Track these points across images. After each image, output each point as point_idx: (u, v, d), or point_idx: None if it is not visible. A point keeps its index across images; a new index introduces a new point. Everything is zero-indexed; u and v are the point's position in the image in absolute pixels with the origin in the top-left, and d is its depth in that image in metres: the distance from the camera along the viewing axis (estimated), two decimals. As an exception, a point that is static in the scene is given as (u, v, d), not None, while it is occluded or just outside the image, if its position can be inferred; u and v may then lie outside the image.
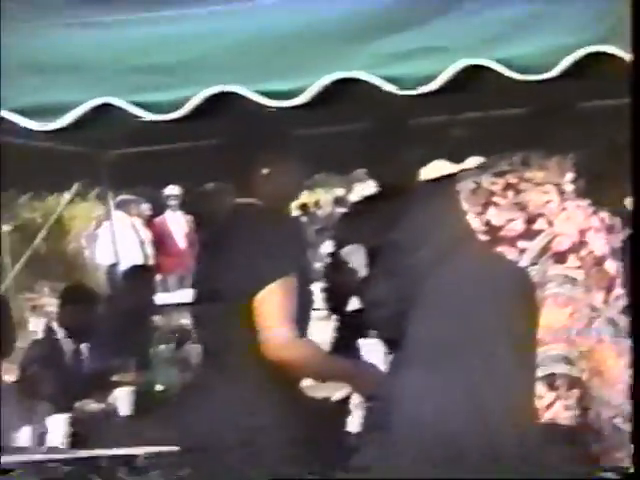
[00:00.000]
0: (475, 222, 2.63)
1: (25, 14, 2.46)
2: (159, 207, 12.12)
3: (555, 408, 2.45)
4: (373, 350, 3.40)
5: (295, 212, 11.94)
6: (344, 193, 17.49)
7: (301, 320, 3.04)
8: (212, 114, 2.44)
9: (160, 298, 9.37)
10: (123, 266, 7.62)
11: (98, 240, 12.12)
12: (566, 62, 2.19)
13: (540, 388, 2.47)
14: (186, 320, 6.83)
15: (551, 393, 2.46)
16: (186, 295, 9.47)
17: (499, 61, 2.23)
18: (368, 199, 4.29)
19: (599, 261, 2.53)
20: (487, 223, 2.59)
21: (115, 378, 4.74)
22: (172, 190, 11.37)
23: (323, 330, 3.99)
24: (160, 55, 2.40)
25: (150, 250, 11.44)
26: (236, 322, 3.02)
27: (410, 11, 2.32)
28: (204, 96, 2.35)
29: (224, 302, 3.08)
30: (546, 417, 2.44)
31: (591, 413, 2.46)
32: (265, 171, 3.08)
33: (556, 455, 2.41)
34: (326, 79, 2.31)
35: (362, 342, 3.45)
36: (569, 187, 2.70)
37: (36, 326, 11.77)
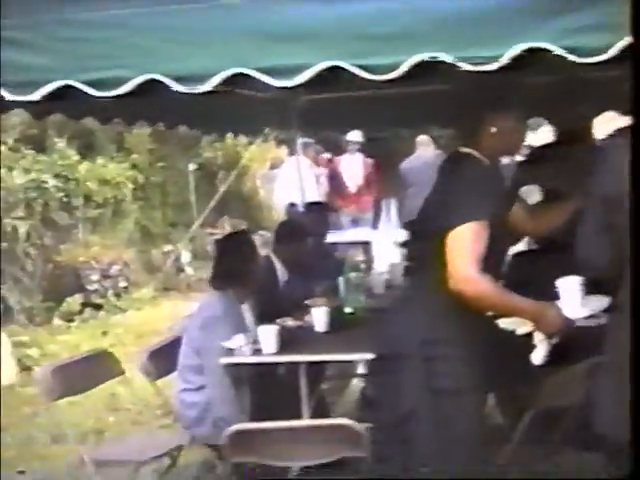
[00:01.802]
0: None
1: None
2: (340, 150, 12.54)
3: None
4: (570, 289, 3.56)
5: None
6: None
7: (492, 260, 3.37)
8: (417, 77, 2.90)
9: (334, 236, 9.91)
10: (303, 204, 8.14)
11: (277, 180, 12.60)
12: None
13: None
14: (361, 256, 7.34)
15: None
16: (361, 234, 9.96)
17: None
18: (547, 146, 4.63)
19: None
20: None
21: (308, 302, 5.34)
22: (354, 135, 11.65)
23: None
24: (378, 26, 2.80)
25: (325, 190, 11.90)
26: (435, 252, 3.36)
27: None
28: (413, 62, 2.75)
29: (426, 235, 3.52)
30: None
31: None
32: (493, 130, 3.43)
33: None
34: (517, 48, 2.67)
35: (560, 281, 3.59)
36: None
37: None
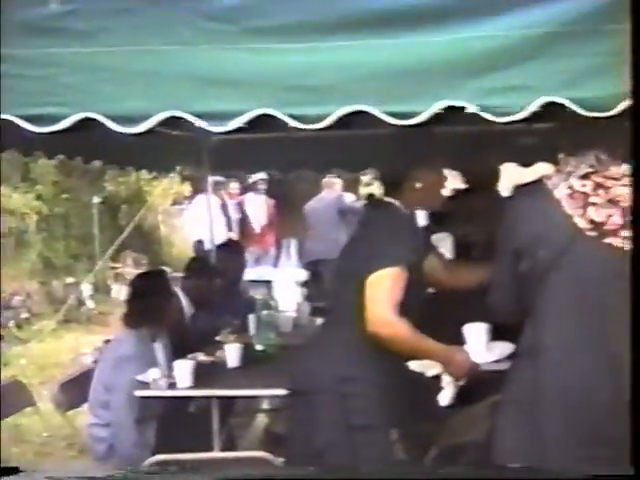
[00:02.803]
0: (581, 222, 3.05)
1: (205, 38, 3.04)
2: (245, 190, 12.65)
3: None
4: (477, 335, 3.82)
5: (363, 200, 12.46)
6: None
7: (409, 305, 3.53)
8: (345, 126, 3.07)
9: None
10: (214, 242, 8.21)
11: (186, 216, 12.64)
12: (622, 105, 2.73)
13: None
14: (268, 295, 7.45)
15: None
16: (263, 272, 10.08)
17: (571, 100, 2.78)
18: (457, 195, 4.84)
19: None
20: (591, 221, 3.03)
21: (218, 338, 5.45)
22: (259, 175, 11.84)
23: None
24: (310, 77, 2.95)
25: (235, 228, 12.00)
26: (350, 293, 3.56)
27: (506, 56, 2.85)
28: (342, 113, 2.91)
29: (344, 277, 3.69)
30: None
31: None
32: (418, 185, 3.66)
33: None
34: (438, 105, 2.86)
35: (467, 327, 3.85)
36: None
37: (118, 293, 12.52)
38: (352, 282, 3.57)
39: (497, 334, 3.84)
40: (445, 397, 3.66)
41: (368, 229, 3.71)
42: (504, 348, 3.76)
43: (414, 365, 3.63)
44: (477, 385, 3.68)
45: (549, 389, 3.07)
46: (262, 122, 3.04)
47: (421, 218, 4.33)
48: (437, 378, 3.65)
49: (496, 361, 3.78)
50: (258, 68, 3.02)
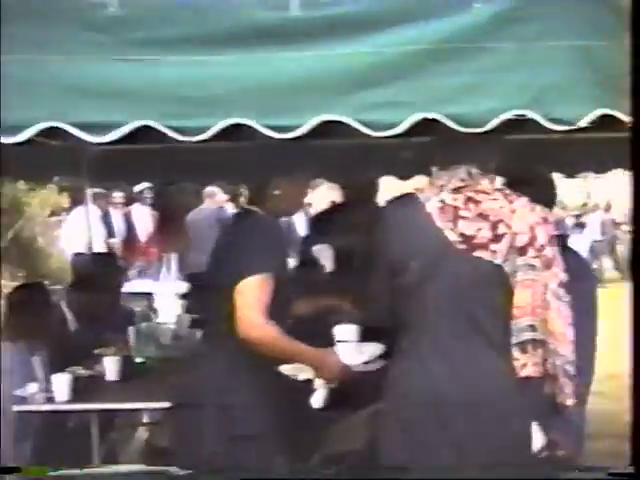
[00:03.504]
0: (451, 235, 3.13)
1: (86, 48, 3.02)
2: (129, 201, 12.52)
3: (528, 367, 3.03)
4: (346, 337, 3.86)
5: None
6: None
7: (278, 310, 3.59)
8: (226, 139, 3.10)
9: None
10: (91, 254, 8.12)
11: (64, 228, 12.44)
12: (496, 121, 2.84)
13: (515, 352, 3.06)
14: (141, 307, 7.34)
15: (523, 355, 3.04)
16: (144, 285, 9.96)
17: (447, 116, 2.88)
18: (335, 207, 4.93)
19: (543, 248, 3.05)
20: (461, 234, 3.11)
21: (97, 351, 5.38)
22: (143, 186, 11.77)
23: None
24: (191, 90, 2.98)
25: (115, 240, 11.86)
26: (223, 304, 3.58)
27: (383, 72, 2.93)
28: (222, 125, 2.94)
29: (215, 287, 3.72)
30: (522, 374, 3.04)
31: (549, 364, 3.05)
32: (277, 192, 3.72)
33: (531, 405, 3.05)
34: (317, 119, 2.91)
35: (337, 329, 3.90)
36: (507, 190, 3.21)
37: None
38: (223, 292, 3.60)
39: (367, 335, 3.91)
40: (317, 400, 3.71)
41: (234, 238, 3.75)
42: (375, 349, 3.84)
43: (285, 369, 3.67)
44: (350, 387, 3.74)
45: (423, 396, 3.14)
46: (143, 133, 3.05)
47: (301, 228, 4.39)
48: (310, 382, 3.71)
49: (367, 362, 3.84)
50: (139, 80, 3.03)
